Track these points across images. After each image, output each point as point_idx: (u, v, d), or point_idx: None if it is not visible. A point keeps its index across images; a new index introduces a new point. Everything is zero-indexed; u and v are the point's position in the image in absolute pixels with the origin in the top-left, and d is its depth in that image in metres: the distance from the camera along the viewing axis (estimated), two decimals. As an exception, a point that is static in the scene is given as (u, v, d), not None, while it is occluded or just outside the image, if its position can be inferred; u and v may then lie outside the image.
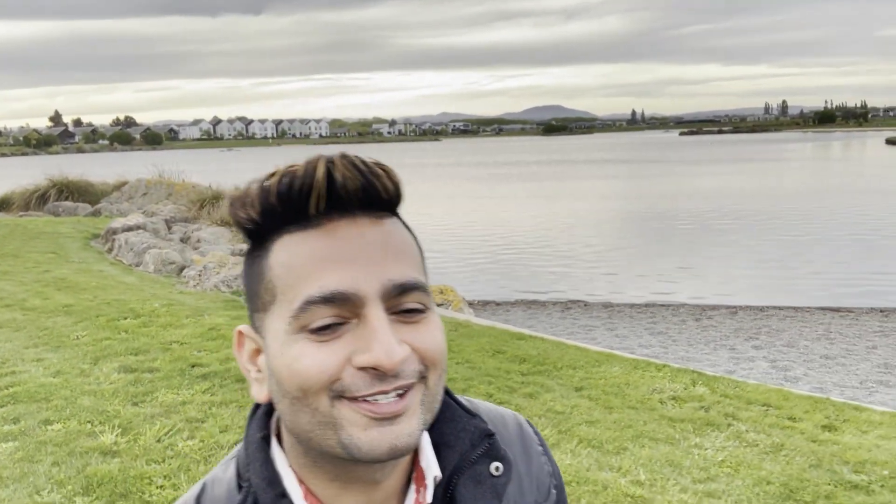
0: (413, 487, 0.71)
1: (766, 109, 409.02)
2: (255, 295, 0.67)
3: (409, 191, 0.67)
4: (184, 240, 12.34)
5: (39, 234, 12.29)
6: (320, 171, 0.62)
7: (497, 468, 0.73)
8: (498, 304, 12.10)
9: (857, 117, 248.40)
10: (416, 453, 0.71)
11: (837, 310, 10.94)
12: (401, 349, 0.61)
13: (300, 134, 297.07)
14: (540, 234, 20.49)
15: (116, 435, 4.00)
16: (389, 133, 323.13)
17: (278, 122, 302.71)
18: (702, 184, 36.81)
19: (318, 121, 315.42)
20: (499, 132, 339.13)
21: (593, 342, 8.27)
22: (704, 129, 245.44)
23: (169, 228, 12.95)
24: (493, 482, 0.72)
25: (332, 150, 0.65)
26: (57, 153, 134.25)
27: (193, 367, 5.24)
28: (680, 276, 14.20)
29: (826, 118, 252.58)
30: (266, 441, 0.70)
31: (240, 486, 0.68)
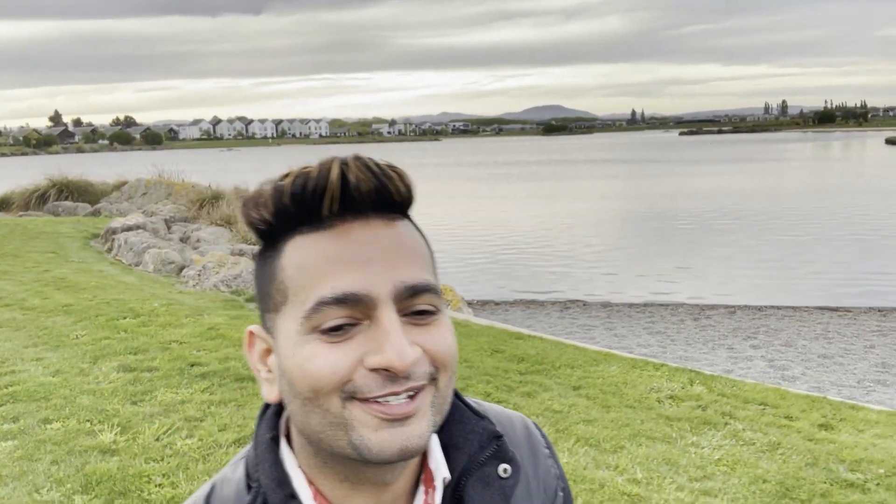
0: (422, 489, 0.71)
1: (766, 109, 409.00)
2: (267, 295, 0.67)
3: None
4: (183, 239, 12.36)
5: (39, 234, 12.31)
6: (334, 173, 0.62)
7: (505, 470, 0.73)
8: (497, 303, 12.12)
9: (857, 117, 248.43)
10: (424, 455, 0.72)
11: (836, 309, 10.96)
12: (412, 351, 0.61)
13: (300, 134, 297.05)
14: (539, 234, 20.51)
15: (115, 434, 4.02)
16: (389, 133, 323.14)
17: (278, 122, 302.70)
18: (701, 183, 36.83)
19: (317, 121, 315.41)
20: (499, 132, 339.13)
21: (592, 342, 8.29)
22: (704, 129, 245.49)
23: (168, 228, 12.97)
24: (502, 484, 0.73)
25: (337, 150, 0.66)
26: (57, 153, 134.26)
27: (192, 366, 5.25)
28: (679, 276, 14.21)
29: (826, 118, 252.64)
30: (275, 442, 0.70)
31: (249, 487, 0.68)
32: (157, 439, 3.98)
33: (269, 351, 0.68)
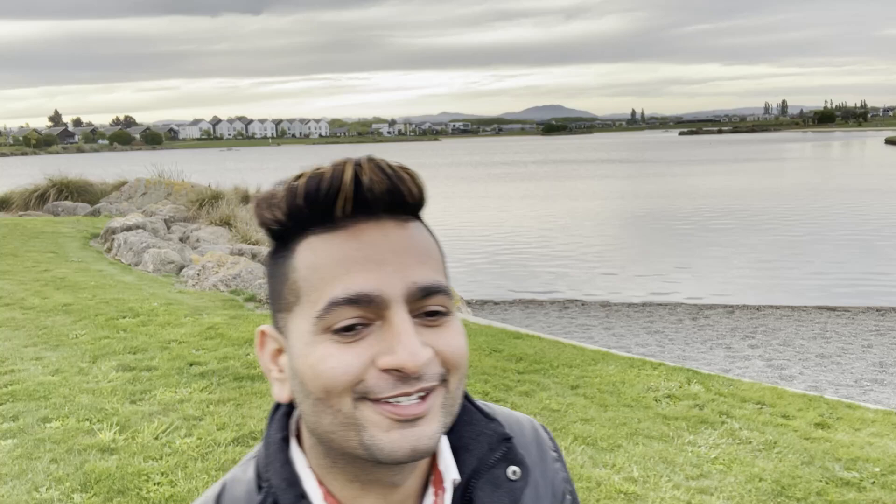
0: (431, 490, 0.71)
1: (766, 109, 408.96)
2: (279, 295, 0.67)
3: None
4: (183, 239, 12.38)
5: (39, 234, 12.32)
6: (348, 174, 0.62)
7: (514, 472, 0.73)
8: (496, 303, 12.13)
9: (857, 117, 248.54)
10: (434, 456, 0.72)
11: (834, 309, 10.98)
12: (424, 352, 0.61)
13: (300, 134, 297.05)
14: (538, 234, 20.54)
15: (114, 432, 4.04)
16: (389, 133, 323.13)
17: (278, 122, 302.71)
18: (700, 183, 36.85)
19: (317, 121, 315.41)
20: (498, 132, 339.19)
21: (590, 341, 8.30)
22: (704, 128, 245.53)
23: (168, 228, 12.98)
24: (511, 486, 0.73)
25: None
26: (56, 153, 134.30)
27: (191, 365, 5.27)
28: (678, 276, 14.23)
29: (826, 118, 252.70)
30: (286, 442, 0.70)
31: (259, 487, 0.68)
32: (156, 438, 3.99)
33: (280, 351, 0.68)
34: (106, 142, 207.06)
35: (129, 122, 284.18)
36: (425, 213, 0.69)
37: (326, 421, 0.63)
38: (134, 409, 4.43)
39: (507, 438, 0.75)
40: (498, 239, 19.54)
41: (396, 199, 0.64)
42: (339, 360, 0.61)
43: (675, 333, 9.58)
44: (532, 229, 21.62)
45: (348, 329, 0.61)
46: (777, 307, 11.14)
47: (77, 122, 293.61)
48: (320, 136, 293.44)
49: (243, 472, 0.72)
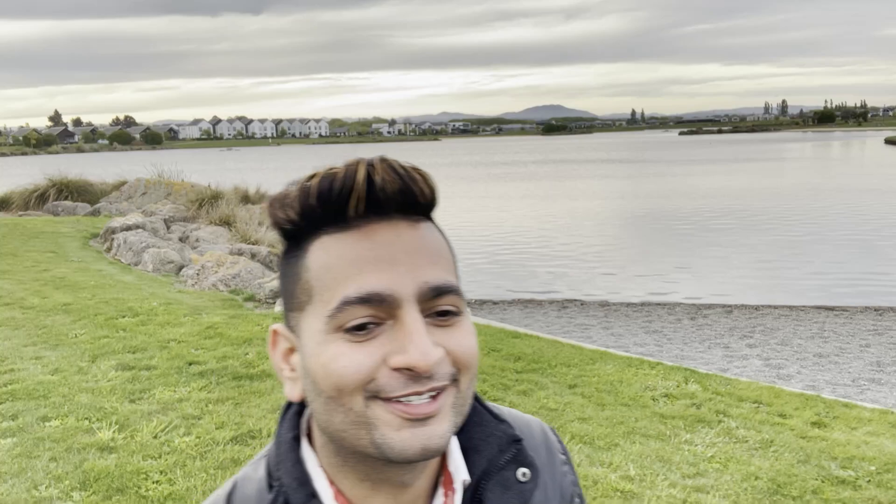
0: (441, 491, 0.71)
1: (766, 109, 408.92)
2: (291, 295, 0.67)
3: None
4: (182, 239, 12.40)
5: (39, 234, 12.34)
6: (361, 174, 0.62)
7: (524, 474, 0.73)
8: (495, 303, 12.15)
9: (857, 117, 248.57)
10: (444, 457, 0.72)
11: (832, 308, 10.99)
12: (435, 351, 0.61)
13: (300, 133, 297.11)
14: (537, 234, 20.56)
15: (113, 431, 4.06)
16: (389, 133, 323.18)
17: (278, 122, 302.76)
18: (700, 183, 36.86)
19: (317, 120, 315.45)
20: (498, 132, 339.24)
21: (588, 341, 8.32)
22: (704, 128, 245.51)
23: (168, 228, 13.00)
24: (521, 488, 0.73)
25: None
26: (56, 153, 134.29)
27: (191, 364, 5.29)
28: (677, 276, 14.25)
29: (825, 118, 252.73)
30: (297, 441, 0.70)
31: (270, 486, 0.69)
32: (155, 437, 4.01)
33: (292, 350, 0.69)
34: (106, 142, 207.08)
35: (129, 121, 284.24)
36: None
37: (338, 419, 0.63)
38: (133, 408, 4.45)
39: (518, 440, 0.75)
40: (497, 239, 19.56)
41: (408, 199, 0.64)
42: (350, 359, 0.61)
43: (674, 333, 9.60)
44: (532, 229, 21.64)
45: (360, 328, 0.62)
46: (775, 307, 11.15)
47: (77, 122, 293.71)
48: (320, 136, 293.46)
49: (254, 470, 0.72)
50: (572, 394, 5.14)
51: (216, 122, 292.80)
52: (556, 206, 28.31)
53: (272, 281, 8.30)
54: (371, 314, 0.62)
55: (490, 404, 0.78)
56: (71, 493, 3.38)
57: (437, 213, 0.69)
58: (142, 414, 4.34)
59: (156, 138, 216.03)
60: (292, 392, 0.69)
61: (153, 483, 3.49)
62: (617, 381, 5.42)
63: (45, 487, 3.44)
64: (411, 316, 0.62)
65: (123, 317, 6.71)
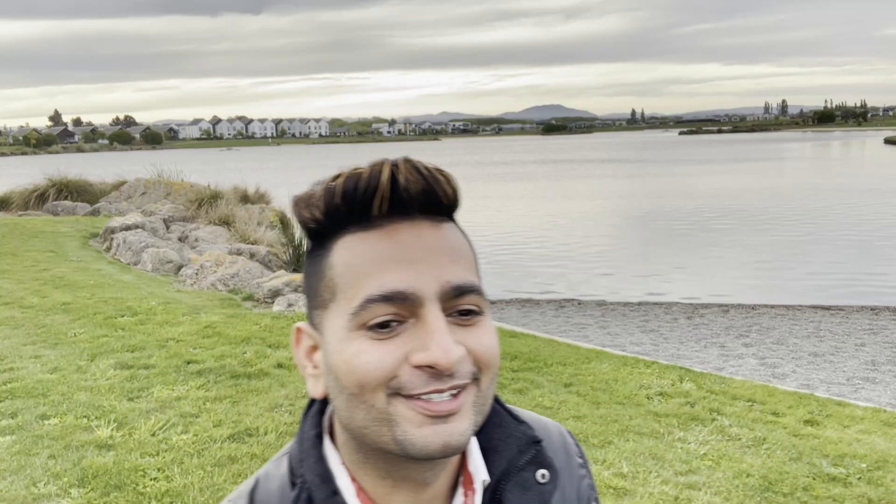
0: (460, 491, 0.72)
1: (766, 109, 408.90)
2: (315, 293, 0.68)
3: None
4: (182, 239, 12.43)
5: (38, 233, 12.38)
6: (385, 174, 0.63)
7: (543, 475, 0.73)
8: (493, 302, 12.19)
9: (857, 117, 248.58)
10: (463, 457, 0.72)
11: (828, 308, 11.03)
12: (457, 349, 0.62)
13: (300, 133, 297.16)
14: (537, 234, 20.60)
15: (112, 429, 4.10)
16: (389, 133, 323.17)
17: (278, 122, 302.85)
18: (699, 183, 36.90)
19: (317, 120, 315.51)
20: (498, 132, 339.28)
21: (585, 340, 8.36)
22: (704, 128, 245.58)
23: (167, 227, 13.04)
24: (540, 489, 0.73)
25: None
26: (56, 153, 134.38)
27: (189, 363, 5.33)
28: (675, 276, 14.28)
29: (825, 118, 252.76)
30: (319, 438, 0.71)
31: (293, 483, 0.69)
32: (153, 435, 4.05)
33: (315, 347, 0.70)
34: (106, 141, 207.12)
35: (128, 121, 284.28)
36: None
37: (360, 416, 0.64)
38: (131, 406, 4.49)
39: (537, 441, 0.75)
40: (497, 239, 19.59)
41: (431, 199, 0.66)
42: (373, 356, 0.62)
43: (670, 332, 9.64)
44: (531, 229, 21.68)
45: (383, 326, 0.63)
46: (772, 306, 11.19)
47: (77, 122, 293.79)
48: (320, 135, 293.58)
49: (276, 467, 0.73)
50: (567, 392, 5.18)
51: (216, 121, 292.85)
52: (555, 206, 28.35)
53: (271, 280, 8.33)
54: (394, 312, 0.63)
55: (509, 406, 0.78)
56: (69, 490, 3.42)
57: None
58: (140, 412, 4.38)
59: (156, 138, 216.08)
60: (315, 389, 0.70)
61: (151, 480, 3.53)
62: (612, 380, 5.46)
63: (44, 484, 3.48)
64: (433, 314, 0.63)
65: (122, 316, 6.75)
